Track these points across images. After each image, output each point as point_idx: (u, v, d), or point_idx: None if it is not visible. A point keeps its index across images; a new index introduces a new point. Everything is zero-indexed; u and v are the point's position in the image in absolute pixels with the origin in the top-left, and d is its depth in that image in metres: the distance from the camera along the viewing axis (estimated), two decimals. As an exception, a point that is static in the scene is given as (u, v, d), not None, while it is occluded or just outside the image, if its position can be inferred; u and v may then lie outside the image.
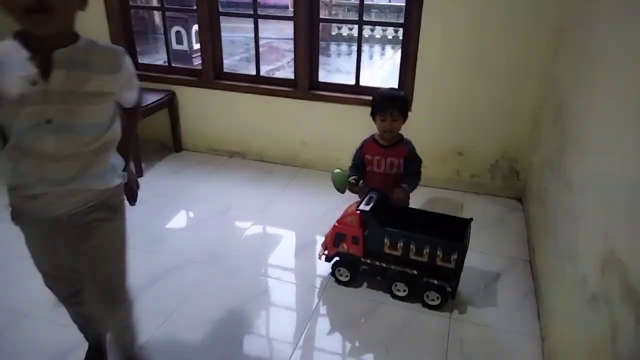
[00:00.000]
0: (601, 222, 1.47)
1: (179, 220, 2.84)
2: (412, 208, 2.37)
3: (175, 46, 6.50)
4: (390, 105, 2.24)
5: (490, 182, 3.08)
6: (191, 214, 2.91)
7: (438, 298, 2.07)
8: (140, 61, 3.71)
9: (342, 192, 2.36)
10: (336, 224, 2.19)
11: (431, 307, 2.10)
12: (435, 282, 2.05)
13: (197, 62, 4.96)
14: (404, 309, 2.11)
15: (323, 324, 2.05)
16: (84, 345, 1.76)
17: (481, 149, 2.99)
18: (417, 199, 2.66)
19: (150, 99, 3.31)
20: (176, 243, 2.56)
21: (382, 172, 2.33)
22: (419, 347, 1.93)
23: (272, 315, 2.10)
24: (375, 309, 2.12)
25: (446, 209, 2.94)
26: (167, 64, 3.62)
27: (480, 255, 2.45)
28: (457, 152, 3.06)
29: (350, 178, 2.32)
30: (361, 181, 2.35)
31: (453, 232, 2.12)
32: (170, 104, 3.50)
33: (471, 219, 2.17)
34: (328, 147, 3.35)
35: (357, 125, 3.15)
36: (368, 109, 3.05)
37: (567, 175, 1.99)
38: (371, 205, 2.13)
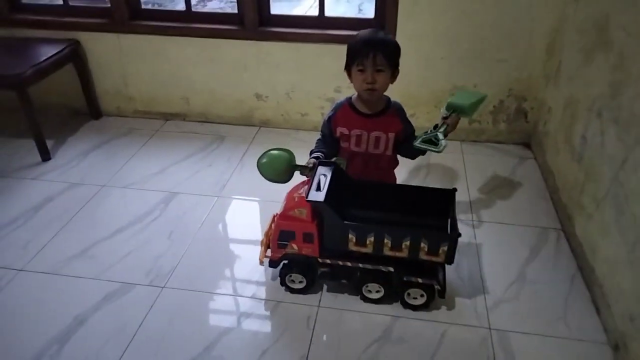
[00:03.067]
0: None
1: (106, 224, 2.06)
2: (378, 182, 1.80)
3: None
4: (371, 49, 1.53)
5: (492, 127, 2.54)
6: (122, 212, 2.15)
7: (422, 295, 1.59)
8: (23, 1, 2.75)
9: (286, 181, 1.68)
10: (278, 219, 1.59)
11: (415, 308, 1.61)
12: (420, 280, 1.55)
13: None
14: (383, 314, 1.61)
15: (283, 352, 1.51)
16: None
17: (483, 87, 2.42)
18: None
19: (44, 52, 2.45)
20: (102, 260, 1.87)
21: (364, 151, 1.69)
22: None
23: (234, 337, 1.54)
24: (342, 318, 1.61)
25: (445, 165, 2.41)
26: (63, 3, 2.70)
27: (494, 227, 1.97)
28: (453, 94, 2.47)
29: (308, 161, 1.65)
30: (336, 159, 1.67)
31: (433, 207, 1.64)
32: (74, 56, 2.63)
33: (455, 189, 1.65)
34: (290, 100, 2.67)
35: (325, 69, 2.50)
36: (337, 47, 2.43)
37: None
38: (324, 190, 1.52)
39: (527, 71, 2.37)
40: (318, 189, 1.53)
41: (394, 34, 2.35)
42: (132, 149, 2.57)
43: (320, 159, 1.68)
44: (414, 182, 2.24)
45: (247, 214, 2.16)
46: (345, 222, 1.50)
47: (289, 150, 1.69)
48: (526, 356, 1.49)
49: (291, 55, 2.53)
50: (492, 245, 1.88)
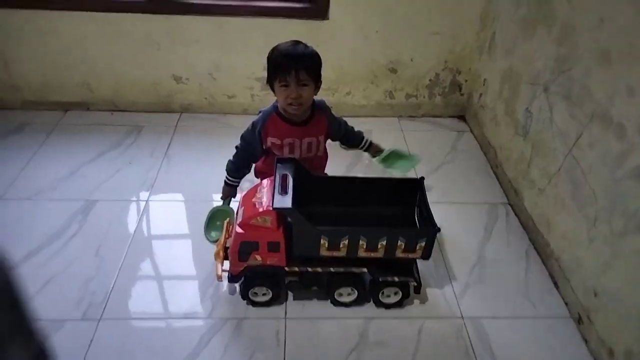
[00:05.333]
0: None
1: (12, 247, 1.69)
2: (338, 177, 1.70)
3: None
4: (294, 64, 1.42)
5: (428, 101, 2.50)
6: (30, 230, 1.79)
7: (396, 293, 1.53)
8: None
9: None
10: (238, 230, 1.42)
11: (389, 306, 1.55)
12: (396, 279, 1.49)
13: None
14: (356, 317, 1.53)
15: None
16: None
17: (418, 61, 2.35)
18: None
19: None
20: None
21: (298, 157, 1.57)
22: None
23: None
24: (314, 328, 1.50)
25: (386, 142, 2.33)
26: None
27: (447, 208, 1.95)
28: (390, 69, 2.37)
29: (224, 190, 1.73)
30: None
31: (398, 197, 1.58)
32: (-64, 40, 2.12)
33: (422, 178, 1.59)
34: (214, 80, 2.40)
35: (252, 45, 2.27)
36: (264, 21, 2.20)
37: (595, 100, 1.48)
38: (290, 193, 1.38)
39: (461, 43, 2.33)
40: (282, 192, 1.36)
41: (327, 5, 2.17)
42: (28, 150, 2.16)
43: (236, 186, 1.71)
44: (359, 167, 2.14)
45: (185, 218, 1.91)
46: (318, 227, 1.35)
47: (225, 209, 1.74)
48: (500, 341, 1.49)
49: (212, 31, 2.25)
50: (449, 227, 1.85)
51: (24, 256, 1.67)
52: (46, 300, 1.52)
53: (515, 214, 1.96)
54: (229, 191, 1.72)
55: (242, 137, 1.64)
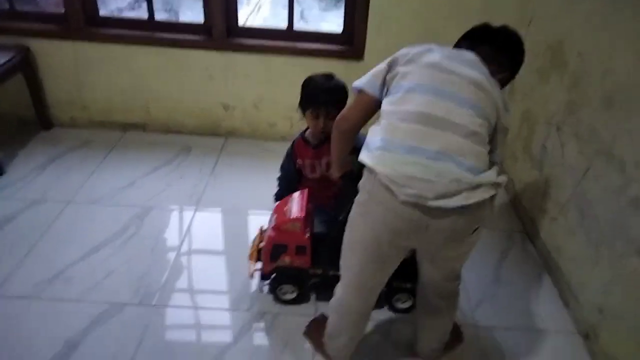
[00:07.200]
0: None
1: (79, 244, 1.94)
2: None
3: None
4: (326, 100, 1.67)
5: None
6: (95, 229, 2.04)
7: (410, 298, 1.70)
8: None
9: None
10: (271, 233, 1.64)
11: (402, 311, 1.73)
12: (409, 285, 1.65)
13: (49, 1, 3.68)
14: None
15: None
16: None
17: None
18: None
19: (-6, 60, 2.27)
20: (82, 282, 1.77)
21: (319, 176, 1.81)
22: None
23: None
24: None
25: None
26: (9, 7, 2.49)
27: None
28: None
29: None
30: None
31: None
32: (24, 64, 2.46)
33: None
34: (258, 110, 2.67)
35: (292, 81, 2.50)
36: (306, 60, 2.48)
37: (600, 139, 1.67)
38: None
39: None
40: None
41: (363, 49, 2.44)
42: (93, 162, 2.44)
43: None
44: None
45: (228, 225, 2.14)
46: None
47: None
48: (511, 349, 1.64)
49: (260, 67, 2.54)
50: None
51: (88, 251, 1.91)
52: (110, 287, 1.75)
53: (530, 240, 2.12)
54: None
55: (282, 167, 1.89)
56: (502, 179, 1.15)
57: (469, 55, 1.24)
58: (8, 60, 2.32)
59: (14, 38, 2.46)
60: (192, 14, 4.04)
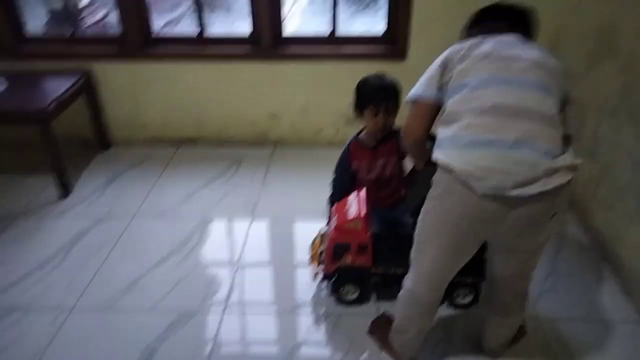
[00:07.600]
0: None
1: (148, 255, 2.06)
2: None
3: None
4: (384, 97, 1.72)
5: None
6: (161, 241, 2.16)
7: (471, 293, 1.72)
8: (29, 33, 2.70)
9: None
10: (334, 233, 1.69)
11: (462, 307, 1.75)
12: (469, 280, 1.68)
13: (89, 21, 3.90)
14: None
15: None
16: None
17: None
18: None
19: (61, 85, 2.43)
20: (154, 291, 1.88)
21: (375, 177, 1.85)
22: None
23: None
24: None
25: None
26: (71, 33, 2.67)
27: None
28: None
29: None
30: None
31: None
32: (86, 87, 2.62)
33: None
34: (305, 117, 2.75)
35: (338, 86, 2.60)
36: (350, 65, 2.53)
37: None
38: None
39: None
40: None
41: (406, 48, 2.48)
42: (151, 178, 2.58)
43: None
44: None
45: (283, 232, 2.21)
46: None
47: None
48: (576, 340, 1.64)
49: (306, 74, 2.61)
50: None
51: (157, 262, 2.02)
52: (179, 295, 1.86)
53: (585, 230, 2.10)
54: None
55: (335, 170, 1.92)
56: (579, 160, 1.17)
57: (510, 37, 1.26)
58: (72, 85, 2.48)
59: (76, 62, 2.62)
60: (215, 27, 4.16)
